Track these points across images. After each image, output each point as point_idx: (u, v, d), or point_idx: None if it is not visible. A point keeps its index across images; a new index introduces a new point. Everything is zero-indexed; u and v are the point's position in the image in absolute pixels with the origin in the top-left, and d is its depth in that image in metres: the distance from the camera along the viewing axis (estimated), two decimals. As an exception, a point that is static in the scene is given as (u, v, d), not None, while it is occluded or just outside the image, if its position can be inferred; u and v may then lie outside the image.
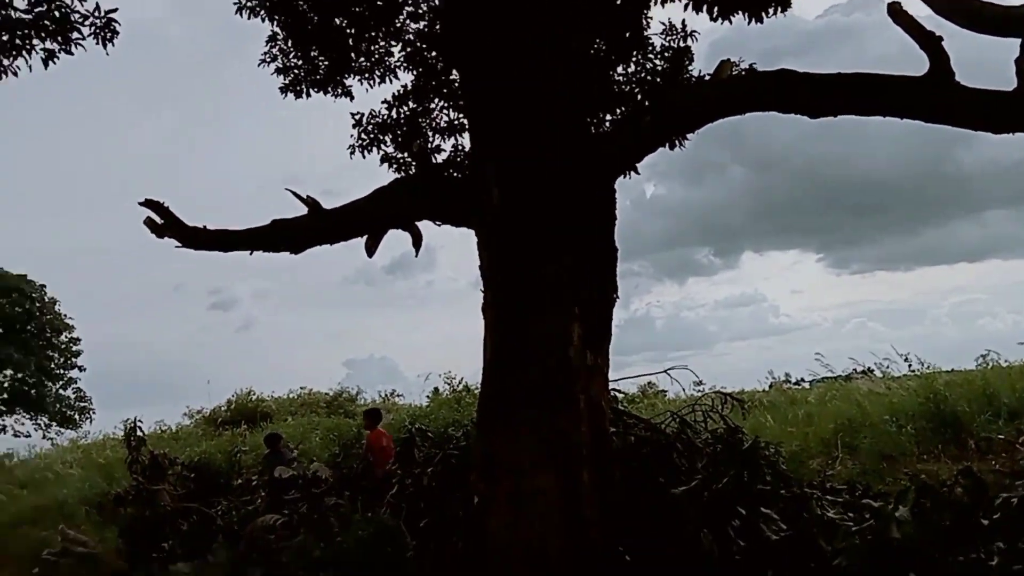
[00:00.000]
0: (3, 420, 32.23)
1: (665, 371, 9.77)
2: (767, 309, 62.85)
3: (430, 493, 6.06)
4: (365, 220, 7.07)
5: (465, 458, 6.26)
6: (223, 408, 22.00)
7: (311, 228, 6.95)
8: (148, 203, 7.14)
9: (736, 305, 63.55)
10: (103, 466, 15.72)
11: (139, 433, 11.21)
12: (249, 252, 7.42)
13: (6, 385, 31.66)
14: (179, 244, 7.29)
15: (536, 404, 5.33)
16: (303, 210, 7.02)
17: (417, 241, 7.44)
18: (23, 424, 33.06)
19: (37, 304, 32.10)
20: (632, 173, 7.79)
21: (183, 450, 14.72)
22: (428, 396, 18.45)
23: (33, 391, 32.15)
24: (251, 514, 9.55)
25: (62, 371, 33.60)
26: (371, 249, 7.42)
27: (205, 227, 7.25)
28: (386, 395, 22.28)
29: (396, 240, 7.46)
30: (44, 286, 33.07)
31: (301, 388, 24.17)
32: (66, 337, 33.60)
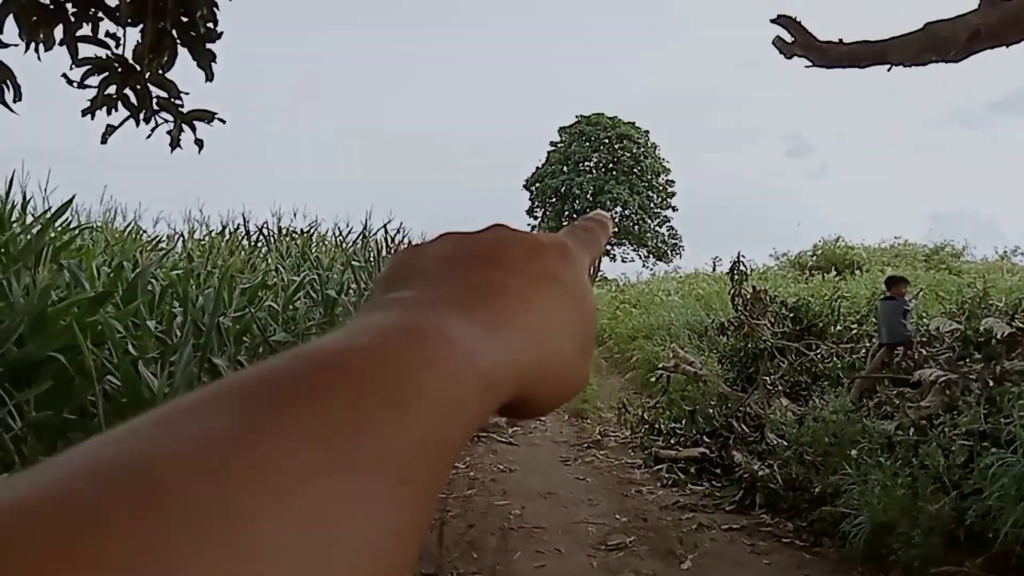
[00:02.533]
0: (616, 250, 38.01)
1: None
2: None
3: None
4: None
5: None
6: (809, 253, 21.57)
7: (985, 26, 5.46)
8: (780, 19, 6.58)
9: None
10: (701, 296, 17.03)
11: (742, 268, 11.46)
12: (888, 68, 6.37)
13: (617, 220, 36.91)
14: (810, 63, 6.62)
15: None
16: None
17: None
18: (628, 255, 38.54)
19: (642, 149, 36.02)
20: None
21: (773, 291, 14.81)
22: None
23: (636, 227, 36.89)
24: (855, 363, 8.97)
25: (659, 210, 37.65)
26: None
27: (841, 40, 6.39)
28: (1003, 253, 18.81)
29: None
30: (648, 131, 36.78)
31: (895, 238, 22.17)
32: (663, 179, 37.27)
